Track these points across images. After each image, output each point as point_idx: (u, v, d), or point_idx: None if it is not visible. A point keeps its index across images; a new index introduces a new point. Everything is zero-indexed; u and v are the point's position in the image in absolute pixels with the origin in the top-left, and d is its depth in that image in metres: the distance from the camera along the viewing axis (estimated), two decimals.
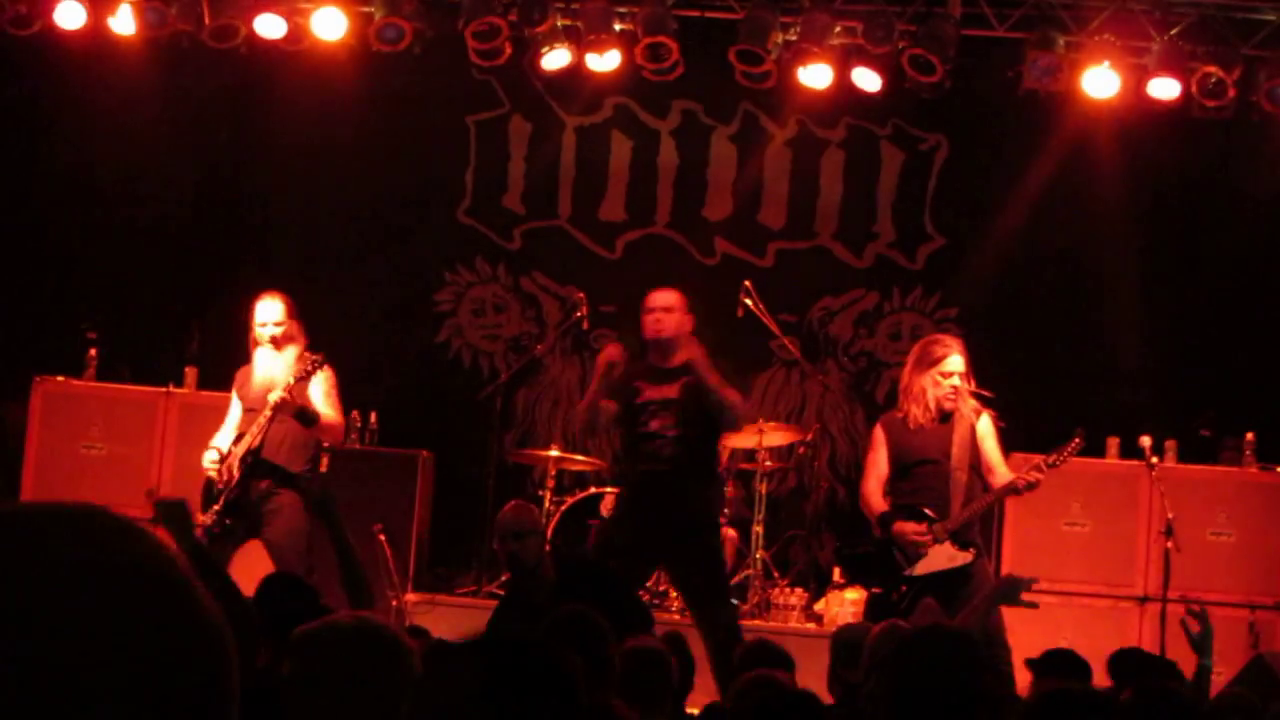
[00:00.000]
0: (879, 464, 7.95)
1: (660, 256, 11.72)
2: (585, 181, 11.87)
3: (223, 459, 8.11)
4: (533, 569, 6.81)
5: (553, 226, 11.93)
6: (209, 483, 8.20)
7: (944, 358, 7.86)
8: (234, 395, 8.44)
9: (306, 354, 8.09)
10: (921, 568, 7.71)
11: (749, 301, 10.17)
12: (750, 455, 10.36)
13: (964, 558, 7.69)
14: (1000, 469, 7.93)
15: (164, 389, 10.24)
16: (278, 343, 8.21)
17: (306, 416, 7.94)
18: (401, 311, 11.69)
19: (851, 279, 11.76)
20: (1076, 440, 8.00)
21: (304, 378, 7.95)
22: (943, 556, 7.70)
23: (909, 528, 7.71)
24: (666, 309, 7.92)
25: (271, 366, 8.23)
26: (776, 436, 10.35)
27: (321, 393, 8.19)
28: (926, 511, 7.78)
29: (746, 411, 8.38)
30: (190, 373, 10.29)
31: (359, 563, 6.89)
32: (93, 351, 10.65)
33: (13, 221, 11.46)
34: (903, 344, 11.20)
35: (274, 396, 7.87)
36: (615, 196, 11.86)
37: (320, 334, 10.04)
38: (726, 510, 9.95)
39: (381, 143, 11.56)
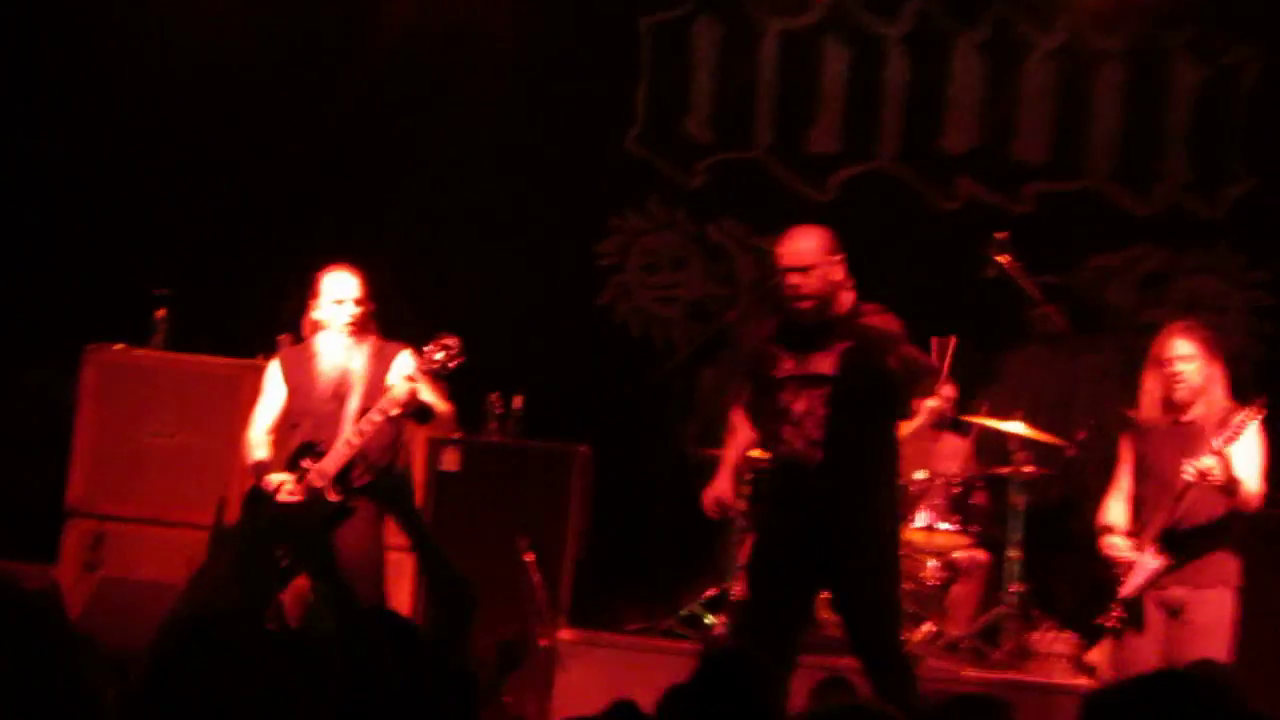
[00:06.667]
0: (1121, 479, 8.01)
1: (884, 199, 11.41)
2: (790, 102, 11.62)
3: (301, 477, 8.01)
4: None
5: (747, 160, 11.68)
6: (276, 505, 8.08)
7: (1164, 345, 7.97)
8: (274, 384, 8.28)
9: (441, 343, 7.90)
10: (1129, 588, 7.79)
11: (1001, 259, 10.03)
12: (1004, 458, 10.07)
13: (1160, 563, 7.73)
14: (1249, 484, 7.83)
15: (252, 361, 9.67)
16: (356, 328, 8.10)
17: (426, 413, 7.93)
18: (554, 268, 11.45)
19: (1134, 231, 11.38)
20: (1251, 410, 7.74)
21: (438, 368, 7.86)
22: (1142, 570, 7.78)
23: (1114, 543, 7.87)
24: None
25: (344, 356, 8.09)
26: (1037, 433, 10.02)
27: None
28: (1114, 524, 7.97)
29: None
30: (285, 342, 9.45)
31: (454, 578, 6.77)
32: (161, 313, 10.37)
33: (75, 168, 11.41)
34: (1200, 315, 10.57)
35: (400, 393, 7.79)
36: (828, 122, 11.59)
37: (451, 296, 10.70)
38: (973, 527, 9.97)
39: (531, 55, 11.45)
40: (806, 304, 7.37)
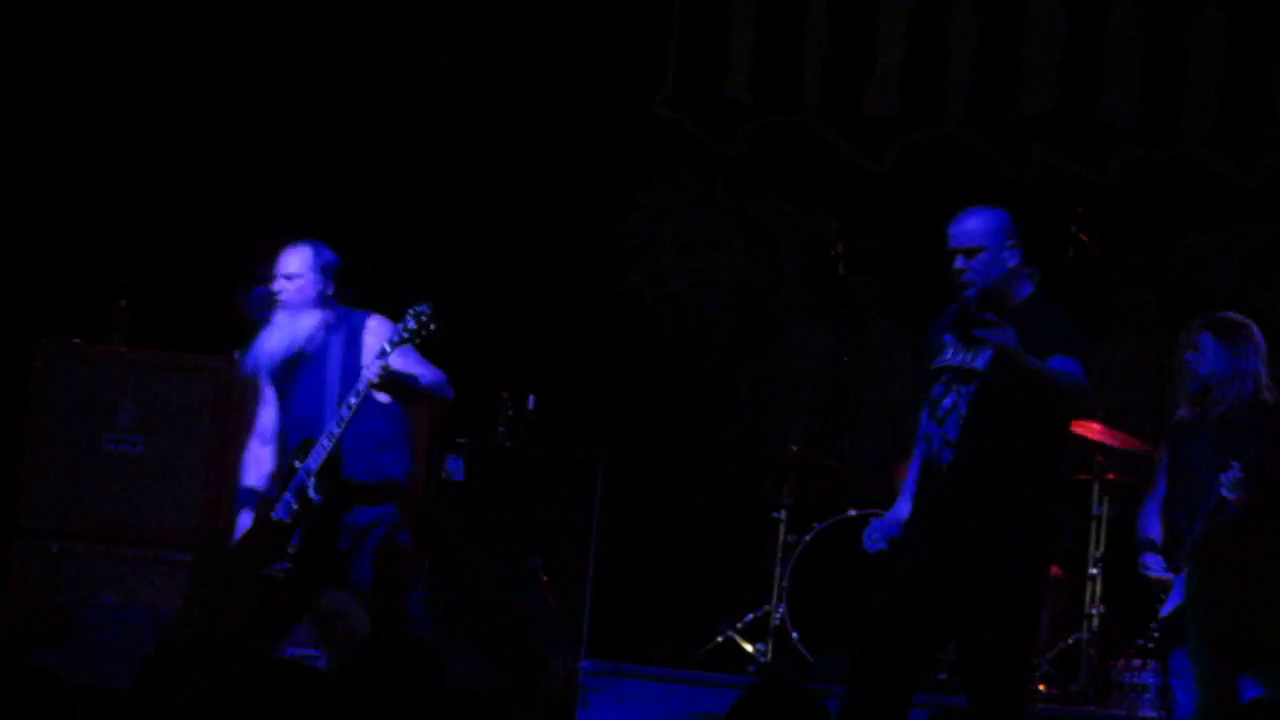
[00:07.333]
0: (1157, 481, 8.05)
1: (949, 168, 11.18)
2: (843, 58, 11.41)
3: (290, 476, 7.84)
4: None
5: (794, 124, 11.47)
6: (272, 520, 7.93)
7: (1181, 334, 8.12)
8: (261, 383, 8.16)
9: (412, 311, 7.77)
10: (1168, 608, 7.81)
11: (1082, 238, 10.01)
12: (1085, 463, 10.01)
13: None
14: None
15: (228, 357, 9.41)
16: (292, 304, 8.04)
17: (404, 386, 7.86)
18: (570, 249, 11.26)
19: (1236, 204, 11.10)
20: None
21: (409, 337, 7.76)
22: (1181, 589, 7.79)
23: (1149, 563, 7.92)
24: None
25: (289, 334, 8.04)
26: (1123, 436, 9.94)
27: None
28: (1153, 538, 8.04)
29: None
30: None
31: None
32: (123, 304, 10.07)
33: (24, 140, 11.03)
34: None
35: (371, 374, 7.70)
36: (887, 79, 11.40)
37: (453, 282, 10.64)
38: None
39: (543, 4, 11.23)
40: (970, 290, 7.27)
